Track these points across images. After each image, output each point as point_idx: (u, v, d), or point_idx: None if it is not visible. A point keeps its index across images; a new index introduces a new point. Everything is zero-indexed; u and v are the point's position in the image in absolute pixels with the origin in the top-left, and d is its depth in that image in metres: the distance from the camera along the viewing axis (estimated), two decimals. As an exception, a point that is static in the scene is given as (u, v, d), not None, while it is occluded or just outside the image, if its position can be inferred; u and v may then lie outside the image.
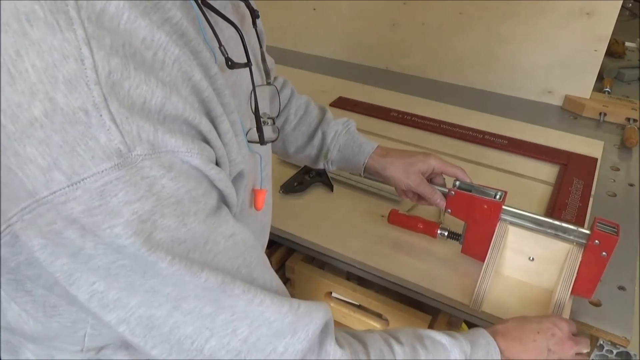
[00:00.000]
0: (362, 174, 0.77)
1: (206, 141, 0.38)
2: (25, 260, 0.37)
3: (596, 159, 1.00)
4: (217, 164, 0.40)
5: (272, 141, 0.52)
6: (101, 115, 0.30)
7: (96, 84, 0.30)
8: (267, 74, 0.56)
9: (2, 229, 0.36)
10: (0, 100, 0.30)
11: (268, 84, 0.56)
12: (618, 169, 0.99)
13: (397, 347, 0.48)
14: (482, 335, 0.54)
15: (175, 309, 0.36)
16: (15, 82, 0.30)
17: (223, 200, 0.40)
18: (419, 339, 0.51)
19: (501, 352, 0.53)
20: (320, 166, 0.80)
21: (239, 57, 0.43)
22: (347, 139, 0.77)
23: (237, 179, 0.44)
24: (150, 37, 0.33)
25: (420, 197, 0.75)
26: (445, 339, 0.51)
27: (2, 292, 0.48)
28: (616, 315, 0.66)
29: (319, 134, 0.77)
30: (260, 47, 0.55)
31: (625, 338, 0.63)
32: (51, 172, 0.30)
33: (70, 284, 0.35)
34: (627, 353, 0.62)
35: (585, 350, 0.58)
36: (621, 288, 0.70)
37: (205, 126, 0.37)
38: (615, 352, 0.62)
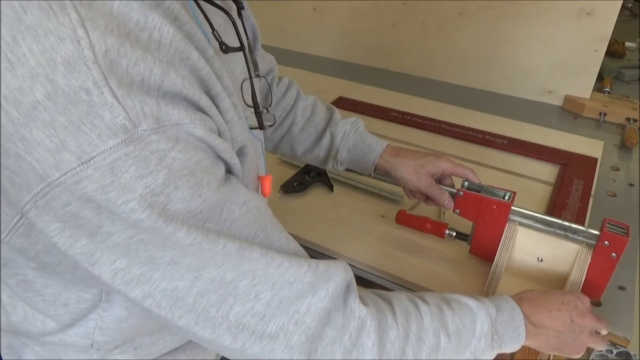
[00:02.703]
0: (371, 174, 0.77)
1: (208, 116, 0.38)
2: (44, 248, 0.38)
3: (596, 159, 1.00)
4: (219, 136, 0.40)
5: (270, 126, 0.53)
6: (102, 93, 0.30)
7: (94, 62, 0.30)
8: (256, 65, 0.56)
9: (15, 222, 0.36)
10: (1, 87, 0.30)
11: (257, 75, 0.56)
12: (618, 169, 0.99)
13: (423, 307, 0.49)
14: (507, 301, 0.55)
15: (197, 279, 0.37)
16: (14, 68, 0.30)
17: (229, 171, 0.41)
18: (445, 301, 0.51)
19: (526, 317, 0.54)
20: (330, 167, 0.79)
21: (231, 43, 0.44)
22: (356, 139, 0.77)
23: (239, 155, 0.44)
24: (144, 19, 0.33)
25: (427, 198, 0.75)
26: (472, 302, 0.52)
27: (5, 295, 0.48)
28: (616, 315, 0.65)
29: (328, 135, 0.77)
30: (248, 38, 0.55)
31: (625, 338, 0.63)
32: (60, 153, 0.31)
33: (92, 264, 0.35)
34: (627, 353, 0.62)
35: (604, 332, 0.58)
36: (621, 288, 0.70)
37: (205, 102, 0.37)
38: (615, 352, 0.62)
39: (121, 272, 0.35)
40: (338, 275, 0.44)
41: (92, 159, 0.31)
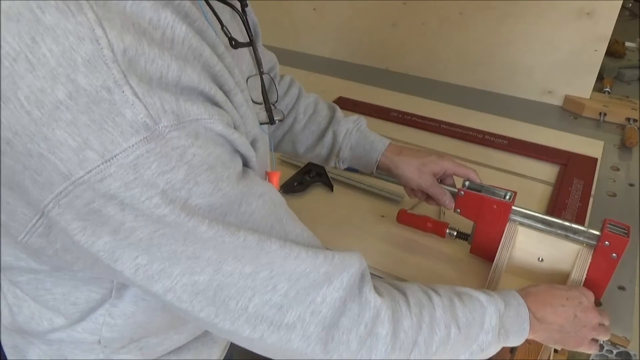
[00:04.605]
0: (374, 172, 0.77)
1: (224, 110, 0.38)
2: (62, 246, 0.38)
3: (596, 159, 1.00)
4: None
5: (280, 120, 0.53)
6: (123, 92, 0.31)
7: (114, 61, 0.31)
8: (259, 62, 0.56)
9: (33, 222, 0.36)
10: (23, 88, 0.30)
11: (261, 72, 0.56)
12: (618, 169, 0.99)
13: (435, 298, 0.50)
14: (514, 296, 0.56)
15: (216, 272, 0.37)
16: (35, 69, 0.30)
17: (245, 164, 0.41)
18: (456, 294, 0.53)
19: (531, 312, 0.55)
20: (332, 165, 0.79)
21: (239, 39, 0.44)
22: (358, 136, 0.77)
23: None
24: (157, 17, 0.33)
25: (428, 197, 0.75)
26: (483, 297, 0.53)
27: (10, 295, 0.48)
28: (616, 315, 0.65)
29: (330, 133, 0.77)
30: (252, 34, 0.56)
31: (625, 338, 0.63)
32: (83, 151, 0.31)
33: (114, 261, 0.36)
34: (627, 353, 0.62)
35: (607, 323, 0.59)
36: (621, 288, 0.70)
37: (221, 97, 0.38)
38: (615, 352, 0.62)
39: (143, 268, 0.36)
40: (353, 265, 0.45)
41: (115, 156, 0.31)
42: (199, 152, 0.34)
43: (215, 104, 0.37)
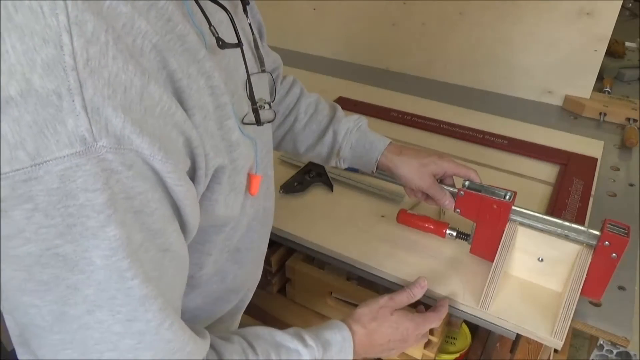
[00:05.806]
0: (374, 171, 0.77)
1: (182, 132, 0.37)
2: None
3: (596, 159, 1.00)
4: (193, 156, 0.39)
5: (269, 121, 0.53)
6: (73, 101, 0.31)
7: (73, 69, 0.30)
8: (262, 61, 0.56)
9: None
10: None
11: (263, 71, 0.56)
12: (618, 169, 0.99)
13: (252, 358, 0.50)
14: (339, 331, 0.58)
15: (88, 313, 0.36)
16: None
17: (177, 211, 0.40)
18: (275, 348, 0.52)
19: (355, 343, 0.59)
20: (332, 164, 0.79)
21: (230, 39, 0.43)
22: (359, 136, 0.77)
23: (218, 173, 0.43)
24: (131, 24, 0.33)
25: (428, 197, 0.75)
26: (300, 347, 0.53)
27: None
28: (616, 315, 0.66)
29: (330, 132, 0.77)
30: (253, 34, 0.55)
31: (625, 338, 0.63)
32: (17, 150, 0.31)
33: None
34: (627, 353, 0.63)
35: (434, 325, 0.67)
36: (621, 288, 0.70)
37: (181, 117, 0.37)
38: (615, 352, 0.62)
39: (17, 282, 0.34)
40: (205, 348, 0.45)
41: (45, 162, 0.31)
42: (124, 182, 0.33)
43: (175, 124, 0.36)
